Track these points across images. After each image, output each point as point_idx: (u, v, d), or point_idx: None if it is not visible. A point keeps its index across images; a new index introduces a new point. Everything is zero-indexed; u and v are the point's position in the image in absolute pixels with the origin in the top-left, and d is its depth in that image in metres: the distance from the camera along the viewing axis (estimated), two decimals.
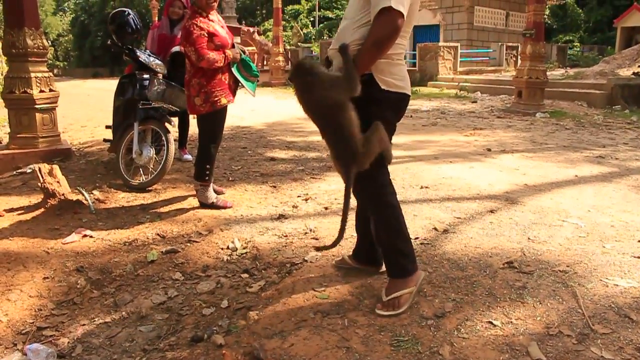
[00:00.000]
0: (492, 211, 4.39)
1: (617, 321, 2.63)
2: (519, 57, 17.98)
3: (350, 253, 3.37)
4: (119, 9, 5.95)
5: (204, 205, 4.72)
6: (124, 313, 3.20)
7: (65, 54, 66.28)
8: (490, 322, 2.64)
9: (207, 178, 4.65)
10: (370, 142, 2.62)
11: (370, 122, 2.67)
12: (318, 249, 3.36)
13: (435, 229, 3.97)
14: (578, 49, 26.41)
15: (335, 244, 2.92)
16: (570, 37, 28.96)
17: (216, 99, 4.46)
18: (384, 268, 3.07)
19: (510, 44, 21.53)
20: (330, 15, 35.61)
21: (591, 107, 12.00)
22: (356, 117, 2.59)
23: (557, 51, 23.36)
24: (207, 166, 4.62)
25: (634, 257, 3.40)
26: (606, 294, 2.90)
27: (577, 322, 2.63)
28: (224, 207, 4.69)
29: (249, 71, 4.80)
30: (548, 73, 12.25)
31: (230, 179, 5.64)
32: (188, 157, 6.53)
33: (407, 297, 2.82)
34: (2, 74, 21.67)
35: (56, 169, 4.69)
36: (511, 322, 2.65)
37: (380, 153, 2.71)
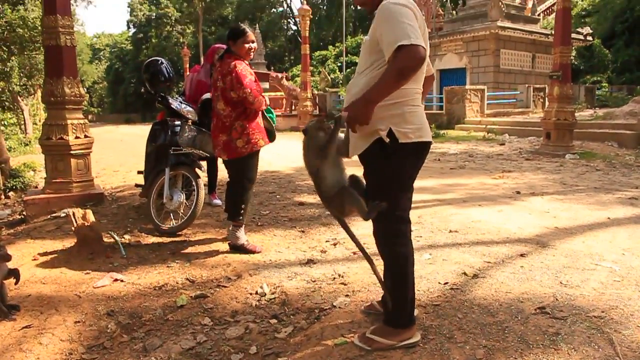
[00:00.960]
0: (522, 255, 4.33)
1: None
2: (546, 98, 17.94)
3: (379, 299, 3.35)
4: (153, 58, 6.16)
5: (235, 246, 4.77)
6: (153, 358, 3.20)
7: (100, 101, 68.35)
8: None
9: (241, 218, 4.75)
10: (342, 201, 3.03)
11: (392, 174, 2.74)
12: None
13: (464, 273, 3.92)
14: (606, 90, 26.20)
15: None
16: (598, 78, 28.76)
17: (257, 140, 4.67)
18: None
19: (537, 86, 21.52)
20: (356, 60, 36.15)
21: (622, 148, 11.84)
22: (331, 174, 3.02)
23: (585, 92, 23.22)
24: (243, 206, 4.73)
25: None
26: None
27: None
28: (253, 252, 4.72)
29: (270, 116, 5.00)
30: (576, 114, 12.19)
31: (259, 223, 5.68)
32: (217, 201, 6.61)
33: (383, 347, 2.83)
34: (40, 121, 22.47)
35: (89, 213, 4.79)
36: None
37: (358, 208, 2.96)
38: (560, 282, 3.69)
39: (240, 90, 4.52)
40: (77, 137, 6.68)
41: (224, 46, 6.50)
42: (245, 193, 4.76)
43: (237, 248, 4.76)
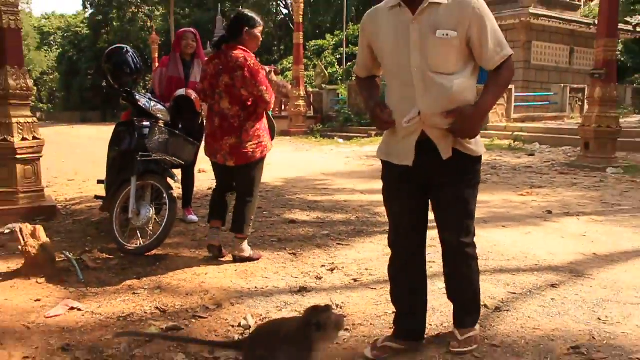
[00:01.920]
0: (553, 285, 4.41)
1: None
2: (585, 101, 18.08)
3: (386, 334, 3.44)
4: (116, 45, 6.20)
5: (243, 259, 5.19)
6: None
7: (50, 95, 68.16)
8: None
9: (250, 231, 5.21)
10: None
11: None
12: None
13: (485, 306, 3.99)
14: None
15: None
16: None
17: (267, 143, 5.04)
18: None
19: (574, 86, 21.63)
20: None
21: None
22: None
23: (633, 94, 23.42)
24: (252, 217, 5.21)
25: None
26: None
27: None
28: (258, 259, 5.21)
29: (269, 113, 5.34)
30: (621, 120, 12.31)
31: None
32: (193, 218, 6.68)
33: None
34: None
35: (40, 229, 4.84)
36: None
37: None
38: (598, 318, 3.77)
39: (256, 88, 4.70)
40: (24, 139, 6.68)
41: (192, 30, 6.61)
42: (256, 202, 5.16)
43: (245, 260, 5.14)
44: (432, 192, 3.27)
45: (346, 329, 3.52)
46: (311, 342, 2.56)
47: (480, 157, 3.27)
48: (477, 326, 3.46)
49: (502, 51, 2.96)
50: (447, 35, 2.87)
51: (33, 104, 6.35)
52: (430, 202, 3.34)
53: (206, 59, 5.62)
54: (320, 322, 2.60)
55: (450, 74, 2.95)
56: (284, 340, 2.67)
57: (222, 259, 5.25)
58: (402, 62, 2.99)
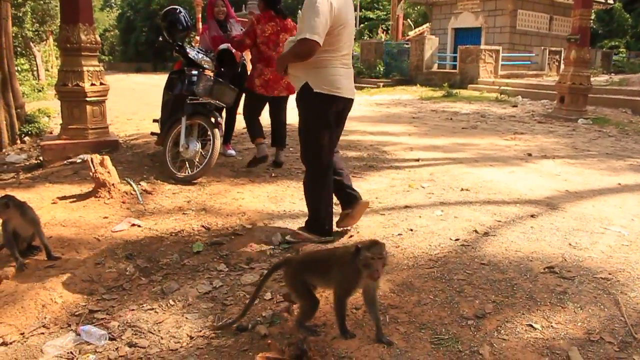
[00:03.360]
0: (533, 216, 4.37)
1: None
2: (562, 62, 17.66)
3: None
4: (171, 7, 6.09)
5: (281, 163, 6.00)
6: (170, 300, 3.30)
7: (111, 49, 67.65)
8: (531, 325, 2.66)
9: None
10: None
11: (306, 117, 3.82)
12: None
13: (475, 231, 3.97)
14: (624, 55, 25.73)
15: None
16: (616, 43, 28.21)
17: None
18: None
19: (553, 49, 21.13)
20: (371, 16, 35.44)
21: (636, 115, 11.72)
22: None
23: (602, 57, 22.81)
24: None
25: None
26: None
27: (619, 329, 2.62)
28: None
29: None
30: (592, 79, 12.03)
31: (272, 175, 5.72)
32: (232, 152, 6.65)
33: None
34: (52, 68, 22.35)
35: (107, 159, 4.85)
36: (552, 326, 2.66)
37: None
38: (569, 244, 3.74)
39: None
40: (92, 84, 6.66)
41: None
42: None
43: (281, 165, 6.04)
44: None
45: None
46: (358, 268, 2.48)
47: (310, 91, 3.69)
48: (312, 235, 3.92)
49: (300, 33, 3.49)
50: None
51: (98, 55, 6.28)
52: None
53: (249, 18, 6.07)
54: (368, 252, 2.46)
55: None
56: (337, 262, 2.62)
57: (257, 183, 5.24)
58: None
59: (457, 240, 3.79)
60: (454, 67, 19.78)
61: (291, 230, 4.11)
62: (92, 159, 4.78)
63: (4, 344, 2.94)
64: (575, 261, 3.44)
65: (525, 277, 3.18)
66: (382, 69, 21.21)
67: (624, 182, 5.68)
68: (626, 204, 4.82)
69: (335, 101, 3.70)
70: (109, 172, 4.80)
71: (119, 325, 3.10)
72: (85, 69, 6.59)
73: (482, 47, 19.16)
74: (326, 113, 3.71)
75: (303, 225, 4.06)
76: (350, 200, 4.05)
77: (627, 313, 2.76)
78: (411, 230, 4.01)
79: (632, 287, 3.06)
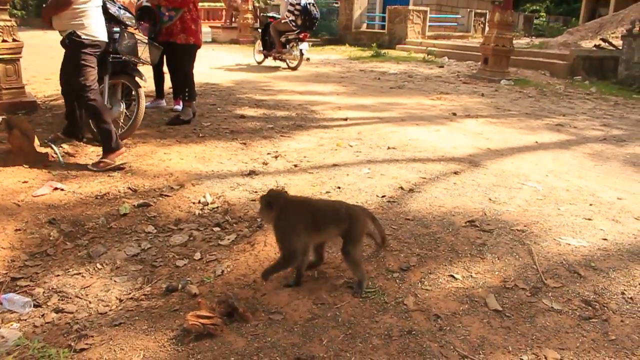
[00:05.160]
0: (456, 173, 4.54)
1: (567, 276, 2.82)
2: (486, 24, 18.09)
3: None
4: None
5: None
6: (98, 264, 3.25)
7: (23, 2, 63.41)
8: (452, 276, 2.80)
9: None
10: None
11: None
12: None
13: (401, 188, 4.10)
14: (544, 19, 26.68)
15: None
16: (537, 7, 29.22)
17: None
18: None
19: (478, 11, 21.57)
20: None
21: (554, 77, 12.24)
22: None
23: (524, 20, 23.51)
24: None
25: (585, 219, 3.59)
26: (559, 252, 3.08)
27: (532, 277, 2.81)
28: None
29: None
30: (514, 42, 12.41)
31: (200, 135, 5.64)
32: (178, 107, 6.52)
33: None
34: None
35: (23, 121, 4.62)
36: (471, 276, 2.81)
37: None
38: (489, 199, 3.93)
39: None
40: (4, 41, 6.23)
41: None
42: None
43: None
44: None
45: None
46: None
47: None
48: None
49: None
50: None
51: (8, 9, 5.82)
52: None
53: None
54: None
55: None
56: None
57: (184, 144, 5.17)
58: None
59: (383, 197, 3.90)
60: (383, 27, 19.87)
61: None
62: (7, 120, 4.54)
63: None
64: (494, 215, 3.62)
65: (448, 231, 3.33)
66: None
67: (540, 140, 5.97)
68: (541, 161, 5.09)
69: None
70: (26, 134, 4.58)
71: (44, 292, 3.03)
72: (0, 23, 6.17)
73: (411, 7, 19.32)
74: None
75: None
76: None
77: (539, 261, 2.96)
78: (339, 188, 4.09)
79: (544, 238, 3.27)
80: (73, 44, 4.53)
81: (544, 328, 2.39)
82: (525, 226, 3.44)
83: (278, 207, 2.67)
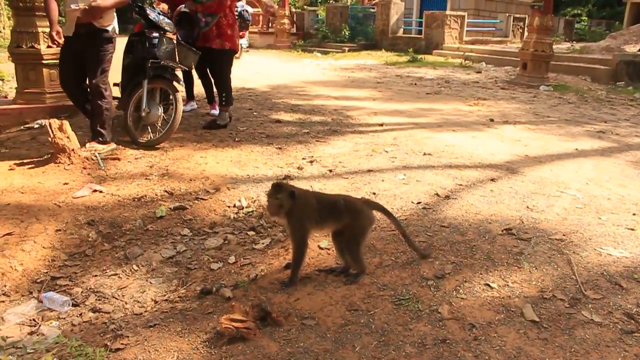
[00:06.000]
0: (493, 180, 4.48)
1: (608, 288, 2.74)
2: (525, 29, 17.82)
3: None
4: None
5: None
6: (134, 266, 3.32)
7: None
8: (488, 285, 2.76)
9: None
10: None
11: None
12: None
13: (437, 194, 4.06)
14: (585, 23, 26.09)
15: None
16: (579, 11, 28.60)
17: None
18: None
19: (517, 16, 21.29)
20: None
21: (595, 82, 11.98)
22: None
23: (565, 24, 23.10)
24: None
25: (628, 228, 3.49)
26: (599, 263, 3.00)
27: (570, 287, 2.74)
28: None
29: None
30: (554, 46, 12.19)
31: (236, 139, 5.69)
32: (214, 112, 6.60)
33: None
34: (4, 29, 21.44)
35: (66, 124, 4.74)
36: (508, 285, 2.76)
37: None
38: (527, 207, 3.86)
39: None
40: (49, 46, 6.41)
41: None
42: None
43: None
44: None
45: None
46: None
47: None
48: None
49: None
50: None
51: None
52: None
53: None
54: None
55: None
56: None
57: (220, 148, 5.22)
58: None
59: (419, 203, 3.87)
60: (420, 32, 19.77)
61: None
62: (50, 123, 4.66)
63: None
64: (532, 223, 3.55)
65: (484, 239, 3.28)
66: (347, 34, 21.05)
67: (580, 147, 5.84)
68: (582, 168, 4.97)
69: None
70: (68, 137, 4.70)
71: (82, 292, 3.11)
72: (40, 30, 6.34)
73: (448, 12, 19.17)
74: None
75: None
76: None
77: (578, 272, 2.88)
78: (374, 193, 4.07)
79: (584, 248, 3.19)
80: (108, 39, 5.01)
81: (583, 341, 2.32)
82: (564, 235, 3.36)
83: (293, 199, 2.72)
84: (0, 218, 3.70)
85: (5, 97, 8.59)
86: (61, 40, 4.89)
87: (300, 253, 2.80)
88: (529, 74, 11.43)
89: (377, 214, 3.08)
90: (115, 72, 6.21)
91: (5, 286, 3.15)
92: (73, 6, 4.86)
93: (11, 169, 4.64)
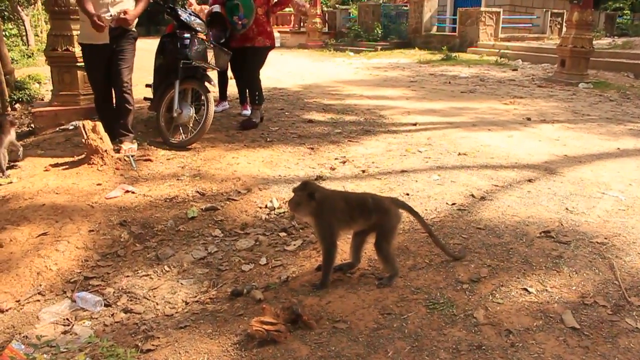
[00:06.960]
0: (530, 180, 4.38)
1: None
2: (564, 24, 17.46)
3: None
4: None
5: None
6: (165, 266, 3.35)
7: None
8: (525, 289, 2.69)
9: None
10: None
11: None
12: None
13: (472, 195, 3.99)
14: (628, 17, 25.47)
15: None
16: (621, 5, 27.90)
17: None
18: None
19: (555, 11, 20.85)
20: None
21: (638, 79, 11.64)
22: None
23: (605, 19, 22.57)
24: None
25: None
26: None
27: (613, 293, 2.65)
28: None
29: None
30: (594, 42, 11.91)
31: (268, 139, 5.70)
32: (246, 112, 6.65)
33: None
34: (42, 33, 22.01)
35: (99, 125, 4.82)
36: (546, 290, 2.69)
37: None
38: (566, 209, 3.76)
39: None
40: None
41: None
42: None
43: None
44: None
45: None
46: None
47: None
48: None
49: None
50: None
51: None
52: None
53: None
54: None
55: None
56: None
57: (251, 148, 5.24)
58: None
59: (453, 204, 3.81)
60: (454, 29, 19.57)
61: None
62: (84, 125, 4.75)
63: (0, 311, 2.98)
64: (571, 226, 3.46)
65: (521, 242, 3.20)
66: (380, 32, 20.96)
67: (623, 146, 5.68)
68: (625, 168, 4.83)
69: None
70: (101, 139, 4.78)
71: (114, 292, 3.14)
72: (75, 33, 6.45)
73: (482, 9, 18.91)
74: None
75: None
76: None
77: (622, 277, 2.79)
78: (407, 194, 4.02)
79: (628, 252, 3.09)
80: (135, 39, 5.35)
81: (627, 350, 2.24)
82: (606, 238, 3.26)
83: (319, 199, 2.71)
84: (35, 218, 3.78)
85: (42, 100, 8.83)
86: (104, 23, 4.91)
87: (329, 255, 2.78)
88: (568, 71, 11.17)
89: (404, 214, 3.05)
90: (147, 73, 6.32)
91: (40, 285, 3.22)
92: (107, 16, 5.00)
93: (46, 170, 4.75)
